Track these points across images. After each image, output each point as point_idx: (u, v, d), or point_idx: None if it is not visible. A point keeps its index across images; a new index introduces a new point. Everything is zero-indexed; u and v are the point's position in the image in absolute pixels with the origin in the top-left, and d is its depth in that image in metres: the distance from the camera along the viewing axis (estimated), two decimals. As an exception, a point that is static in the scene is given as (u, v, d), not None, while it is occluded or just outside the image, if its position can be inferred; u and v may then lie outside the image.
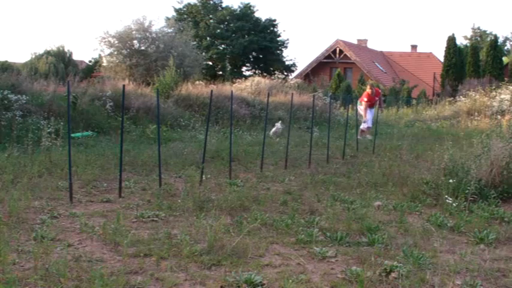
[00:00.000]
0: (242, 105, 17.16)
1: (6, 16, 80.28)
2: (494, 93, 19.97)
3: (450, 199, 5.72)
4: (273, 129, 13.42)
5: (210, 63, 38.87)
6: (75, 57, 39.01)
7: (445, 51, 32.86)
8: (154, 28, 23.47)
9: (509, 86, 20.38)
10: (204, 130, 9.39)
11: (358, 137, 12.95)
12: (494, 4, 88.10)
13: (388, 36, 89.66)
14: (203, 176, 6.98)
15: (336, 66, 38.33)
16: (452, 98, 23.87)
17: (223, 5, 41.27)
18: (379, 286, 3.46)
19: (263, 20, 40.92)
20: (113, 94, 14.04)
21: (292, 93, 14.50)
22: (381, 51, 45.00)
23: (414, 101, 28.27)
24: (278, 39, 41.33)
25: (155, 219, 5.02)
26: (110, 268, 3.63)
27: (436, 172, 6.56)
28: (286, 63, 42.07)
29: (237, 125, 14.92)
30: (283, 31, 77.17)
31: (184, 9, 41.30)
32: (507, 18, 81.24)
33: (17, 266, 3.63)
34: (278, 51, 41.47)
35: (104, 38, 22.95)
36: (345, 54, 39.12)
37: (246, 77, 30.75)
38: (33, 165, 7.14)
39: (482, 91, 20.54)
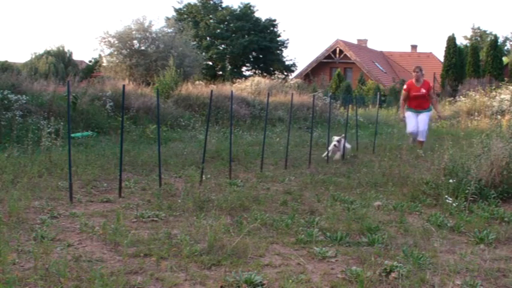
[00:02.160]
0: (242, 105, 17.16)
1: (6, 16, 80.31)
2: (494, 93, 19.98)
3: (450, 199, 5.71)
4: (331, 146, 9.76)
5: (210, 63, 38.91)
6: (75, 57, 39.14)
7: (445, 51, 32.87)
8: (154, 28, 23.52)
9: (509, 86, 20.39)
10: (204, 130, 9.39)
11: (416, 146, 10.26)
12: (494, 4, 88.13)
13: (388, 36, 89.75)
14: (203, 176, 6.98)
15: (336, 66, 38.35)
16: (452, 98, 23.88)
17: (223, 5, 41.33)
18: (379, 286, 3.45)
19: (263, 20, 40.95)
20: (113, 94, 14.05)
21: (292, 93, 14.50)
22: (381, 51, 45.03)
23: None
24: (278, 39, 41.36)
25: (155, 219, 5.02)
26: (110, 268, 3.63)
27: (436, 172, 6.55)
28: (286, 63, 42.10)
29: (237, 125, 14.92)
30: (283, 31, 77.27)
31: (184, 9, 41.34)
32: (507, 18, 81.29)
33: (17, 266, 3.63)
34: (278, 51, 41.50)
35: (104, 38, 22.99)
36: (345, 54, 39.13)
37: (246, 77, 30.79)
38: (33, 165, 7.14)
39: (482, 91, 20.55)
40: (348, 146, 10.06)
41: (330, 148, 9.68)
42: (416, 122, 10.41)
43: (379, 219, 5.14)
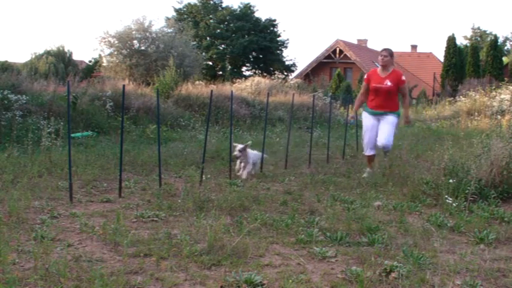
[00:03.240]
0: (242, 105, 17.18)
1: (6, 16, 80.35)
2: (494, 93, 19.99)
3: (450, 199, 5.71)
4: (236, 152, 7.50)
5: (210, 63, 38.93)
6: (75, 57, 39.19)
7: (445, 51, 32.89)
8: (154, 28, 23.53)
9: (509, 86, 20.40)
10: (204, 130, 9.39)
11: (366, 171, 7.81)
12: (494, 4, 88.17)
13: (388, 36, 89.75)
14: (203, 176, 6.98)
15: (336, 66, 38.38)
16: (452, 98, 23.89)
17: (223, 5, 41.35)
18: (379, 286, 3.45)
19: (263, 20, 40.97)
20: (113, 94, 14.05)
21: (293, 93, 14.51)
22: (381, 51, 44.98)
23: (414, 101, 28.29)
24: (278, 39, 41.38)
25: (155, 219, 5.02)
26: (110, 268, 3.63)
27: (436, 172, 6.55)
28: (286, 63, 42.11)
29: (237, 125, 14.93)
30: (283, 31, 77.26)
31: (184, 9, 41.35)
32: (507, 18, 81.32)
33: (17, 266, 3.63)
34: (278, 51, 41.51)
35: (104, 38, 23.00)
36: (345, 54, 39.16)
37: (246, 77, 30.80)
38: (33, 165, 7.14)
39: (482, 91, 20.56)
40: (254, 156, 7.74)
41: (239, 162, 7.61)
42: (374, 132, 7.67)
43: (379, 219, 5.14)
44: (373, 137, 7.70)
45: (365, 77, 7.97)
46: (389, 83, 7.55)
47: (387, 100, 7.62)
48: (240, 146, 7.45)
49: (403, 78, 7.67)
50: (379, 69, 7.76)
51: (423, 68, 41.03)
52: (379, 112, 7.65)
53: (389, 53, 7.61)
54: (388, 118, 7.64)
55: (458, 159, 6.58)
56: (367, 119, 7.81)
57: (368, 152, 7.86)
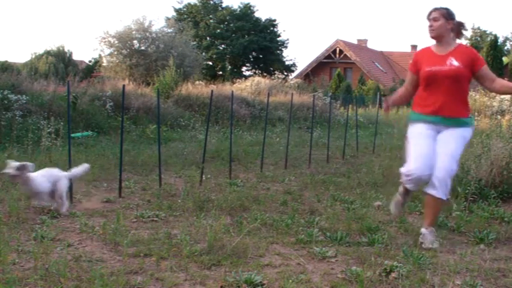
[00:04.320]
0: (242, 105, 17.17)
1: (6, 16, 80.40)
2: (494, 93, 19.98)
3: (450, 199, 5.71)
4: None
5: (210, 63, 38.95)
6: (75, 57, 39.27)
7: (445, 51, 32.84)
8: (154, 28, 23.59)
9: (509, 86, 20.37)
10: (204, 130, 9.39)
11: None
12: (494, 4, 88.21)
13: (388, 36, 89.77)
14: (203, 176, 6.98)
15: (336, 66, 38.38)
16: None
17: (223, 5, 41.37)
18: (379, 286, 3.45)
19: (263, 20, 41.00)
20: (113, 94, 14.05)
21: (292, 93, 14.50)
22: (381, 51, 45.04)
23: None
24: (278, 39, 41.40)
25: (155, 219, 5.02)
26: (110, 268, 3.63)
27: (436, 172, 6.53)
28: (286, 63, 42.13)
29: (237, 125, 14.93)
30: (283, 31, 77.24)
31: (184, 9, 41.37)
32: (507, 18, 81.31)
33: (17, 266, 3.62)
34: (278, 51, 41.54)
35: (104, 38, 23.04)
36: (345, 54, 39.16)
37: (246, 77, 30.84)
38: (33, 165, 7.13)
39: (482, 91, 20.56)
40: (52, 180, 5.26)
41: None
42: (430, 151, 4.32)
43: (379, 219, 5.14)
44: (428, 161, 4.31)
45: (410, 61, 4.73)
46: (455, 63, 4.29)
47: (452, 96, 4.33)
48: (16, 164, 5.00)
49: (480, 56, 4.53)
50: (433, 45, 4.47)
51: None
52: (438, 119, 4.36)
53: (442, 13, 4.33)
54: (454, 132, 4.36)
55: (458, 159, 6.57)
56: (418, 129, 4.45)
57: (411, 186, 4.62)
